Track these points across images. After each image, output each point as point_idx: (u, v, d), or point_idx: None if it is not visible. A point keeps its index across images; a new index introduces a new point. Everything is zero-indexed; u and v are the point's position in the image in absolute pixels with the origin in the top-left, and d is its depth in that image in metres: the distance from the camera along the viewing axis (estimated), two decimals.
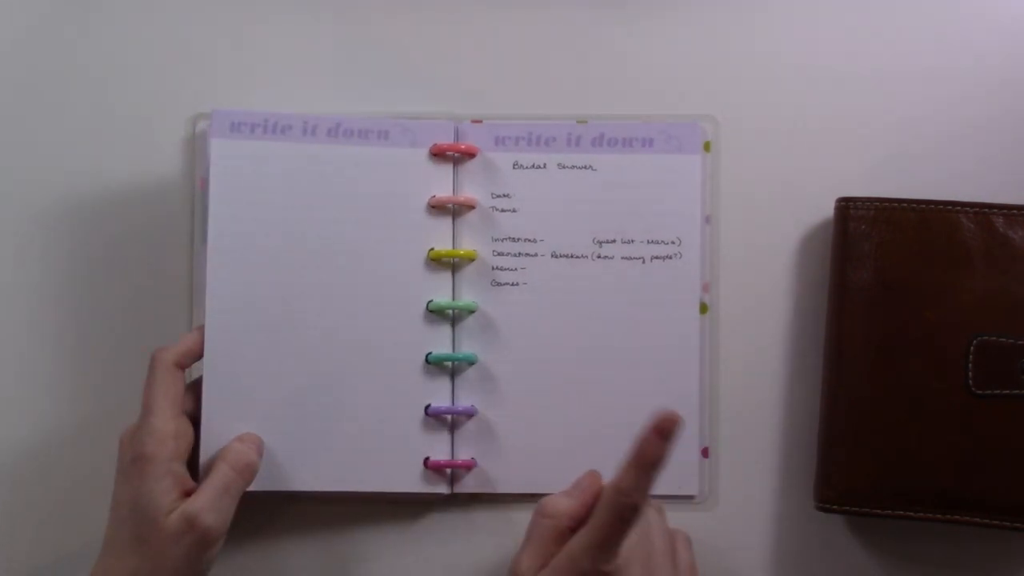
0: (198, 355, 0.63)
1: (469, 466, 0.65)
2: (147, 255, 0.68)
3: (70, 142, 0.69)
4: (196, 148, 0.68)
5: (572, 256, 0.66)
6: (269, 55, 0.69)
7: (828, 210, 0.66)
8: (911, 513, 0.63)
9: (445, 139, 0.66)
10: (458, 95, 0.68)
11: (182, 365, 0.62)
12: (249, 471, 0.61)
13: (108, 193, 0.68)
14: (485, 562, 0.66)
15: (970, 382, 0.63)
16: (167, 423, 0.60)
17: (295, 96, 0.69)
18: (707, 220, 0.67)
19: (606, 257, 0.66)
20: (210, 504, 0.58)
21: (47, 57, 0.69)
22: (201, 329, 0.64)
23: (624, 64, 0.69)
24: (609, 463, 0.58)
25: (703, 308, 0.67)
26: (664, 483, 0.65)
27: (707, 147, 0.67)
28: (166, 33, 0.69)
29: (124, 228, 0.68)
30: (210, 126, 0.65)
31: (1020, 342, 0.63)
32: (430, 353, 0.65)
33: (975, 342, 0.63)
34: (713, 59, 0.69)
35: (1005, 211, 0.64)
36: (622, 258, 0.66)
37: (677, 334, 0.66)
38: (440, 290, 0.66)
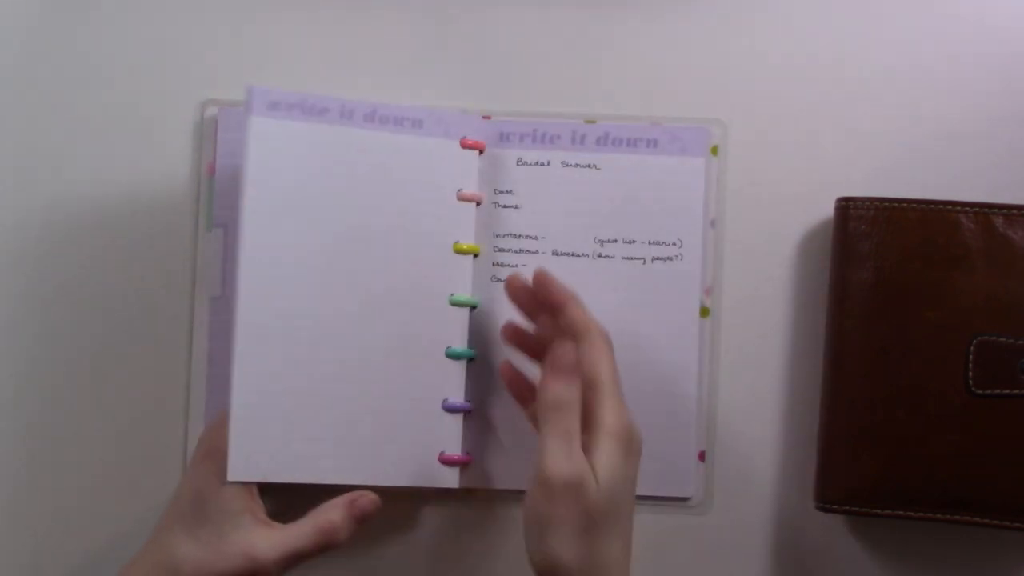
0: None
1: (467, 461, 0.65)
2: (154, 242, 0.68)
3: (77, 130, 0.68)
4: (204, 134, 0.68)
5: (573, 255, 0.66)
6: (278, 43, 0.69)
7: (828, 210, 0.66)
8: (911, 513, 0.63)
9: (474, 132, 0.66)
10: (466, 91, 0.68)
11: None
12: (329, 543, 0.58)
13: (116, 181, 0.68)
14: (483, 554, 0.67)
15: (970, 382, 0.63)
16: None
17: (302, 86, 0.68)
18: (712, 224, 0.67)
19: (607, 257, 0.66)
20: (280, 560, 0.57)
21: (53, 46, 0.69)
22: None
23: (632, 66, 0.69)
24: None
25: (704, 312, 0.66)
26: (659, 485, 0.66)
27: (714, 151, 0.67)
28: (173, 19, 0.69)
29: (131, 215, 0.68)
30: (248, 103, 0.61)
31: (1020, 342, 0.63)
32: (449, 347, 0.65)
33: (975, 342, 0.63)
34: (719, 61, 0.69)
35: (1005, 211, 0.64)
36: (623, 258, 0.66)
37: (677, 336, 0.66)
38: (459, 283, 0.65)
